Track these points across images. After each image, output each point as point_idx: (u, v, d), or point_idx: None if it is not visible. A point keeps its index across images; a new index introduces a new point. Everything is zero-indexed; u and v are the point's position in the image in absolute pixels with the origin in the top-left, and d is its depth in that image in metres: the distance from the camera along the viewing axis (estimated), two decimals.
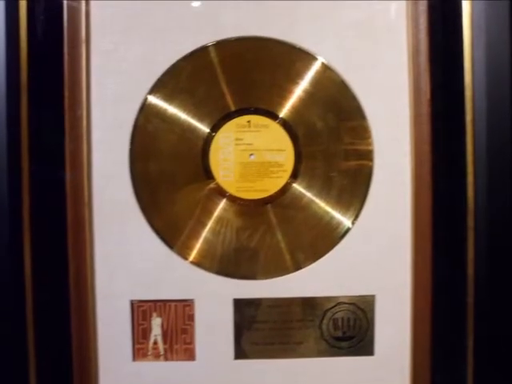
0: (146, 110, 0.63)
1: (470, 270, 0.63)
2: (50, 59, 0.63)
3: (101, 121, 0.63)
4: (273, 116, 0.64)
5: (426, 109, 0.63)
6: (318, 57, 0.64)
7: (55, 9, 0.63)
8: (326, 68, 0.64)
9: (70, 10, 0.62)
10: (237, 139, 0.64)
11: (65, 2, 0.62)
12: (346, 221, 0.64)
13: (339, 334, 0.65)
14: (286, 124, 0.64)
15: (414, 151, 0.63)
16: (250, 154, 0.64)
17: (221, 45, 0.64)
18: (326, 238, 0.64)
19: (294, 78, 0.64)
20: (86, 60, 0.63)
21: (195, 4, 0.64)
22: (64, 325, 0.63)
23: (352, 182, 0.64)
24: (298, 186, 0.64)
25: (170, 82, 0.63)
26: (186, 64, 0.63)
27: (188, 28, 0.63)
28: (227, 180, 0.64)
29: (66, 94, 0.62)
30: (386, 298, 0.64)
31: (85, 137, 0.63)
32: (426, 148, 0.63)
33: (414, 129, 0.63)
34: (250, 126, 0.64)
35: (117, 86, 0.63)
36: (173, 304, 0.64)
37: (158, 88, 0.63)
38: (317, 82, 0.64)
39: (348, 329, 0.65)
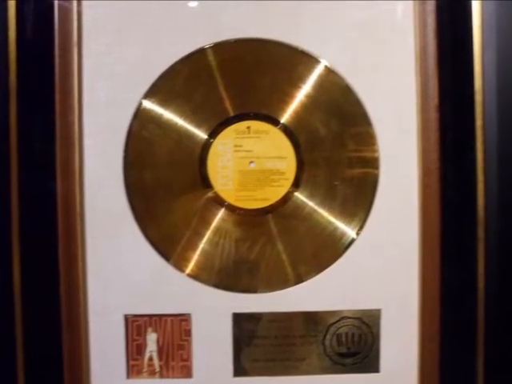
0: (140, 115, 0.61)
1: (480, 284, 0.60)
2: (40, 62, 0.60)
3: (93, 126, 0.60)
4: (273, 121, 0.61)
5: (433, 114, 0.61)
6: (321, 60, 0.61)
7: (45, 9, 0.60)
8: (329, 71, 0.61)
9: (61, 11, 0.60)
10: (236, 146, 0.61)
11: (56, 2, 0.60)
12: (350, 231, 0.61)
13: (343, 350, 0.62)
14: (287, 130, 0.61)
15: (422, 158, 0.61)
16: (250, 162, 0.61)
17: (219, 47, 0.61)
18: (329, 250, 0.62)
19: (295, 81, 0.61)
20: (78, 63, 0.60)
21: (192, 4, 0.61)
22: (55, 341, 0.60)
23: (356, 191, 0.61)
24: (299, 195, 0.61)
25: (166, 86, 0.61)
26: (182, 67, 0.61)
27: (185, 29, 0.61)
28: (226, 189, 0.61)
29: (57, 98, 0.60)
30: (393, 313, 0.62)
31: (76, 143, 0.60)
32: (434, 155, 0.61)
33: (421, 135, 0.61)
34: (249, 132, 0.61)
35: (110, 90, 0.60)
36: (169, 318, 0.61)
37: (153, 92, 0.60)
38: (320, 86, 0.61)
39: (352, 344, 0.62)
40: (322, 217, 0.61)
